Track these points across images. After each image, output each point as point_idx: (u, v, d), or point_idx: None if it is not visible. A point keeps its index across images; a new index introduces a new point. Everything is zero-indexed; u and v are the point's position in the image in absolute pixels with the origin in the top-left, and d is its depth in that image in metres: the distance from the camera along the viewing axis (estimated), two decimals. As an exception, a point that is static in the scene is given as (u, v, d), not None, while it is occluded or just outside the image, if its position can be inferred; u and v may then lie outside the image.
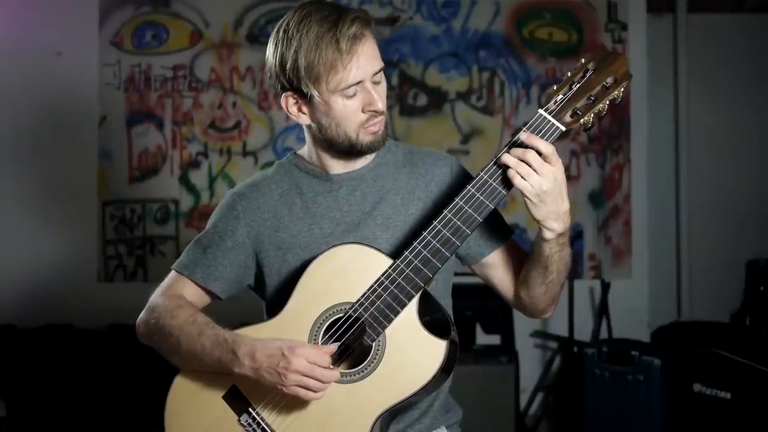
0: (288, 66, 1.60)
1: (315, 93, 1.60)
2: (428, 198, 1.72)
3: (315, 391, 1.52)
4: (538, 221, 1.53)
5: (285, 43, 1.60)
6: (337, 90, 1.59)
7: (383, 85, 1.65)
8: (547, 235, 1.55)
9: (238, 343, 1.57)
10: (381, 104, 1.62)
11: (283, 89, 1.66)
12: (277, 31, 1.63)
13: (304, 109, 1.66)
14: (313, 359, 1.51)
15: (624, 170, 4.53)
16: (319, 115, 1.65)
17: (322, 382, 1.52)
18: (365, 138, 1.65)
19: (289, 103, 1.67)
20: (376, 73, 1.62)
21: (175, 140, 4.42)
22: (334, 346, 1.56)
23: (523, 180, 1.48)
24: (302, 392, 1.52)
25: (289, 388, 1.52)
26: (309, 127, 1.70)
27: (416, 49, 4.49)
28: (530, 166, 1.48)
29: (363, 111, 1.62)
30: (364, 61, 1.59)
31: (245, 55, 4.43)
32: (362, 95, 1.61)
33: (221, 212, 1.77)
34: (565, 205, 1.52)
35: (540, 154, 1.48)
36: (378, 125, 1.65)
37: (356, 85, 1.59)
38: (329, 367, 1.53)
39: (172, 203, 4.41)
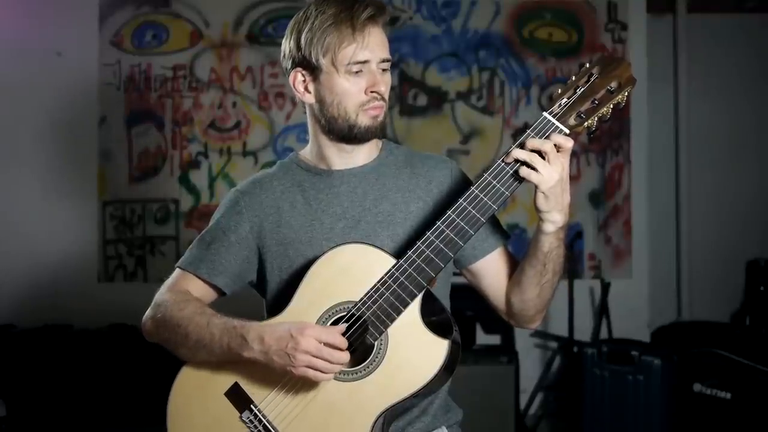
0: (302, 39, 1.66)
1: (323, 63, 1.65)
2: (428, 198, 1.73)
3: (324, 372, 1.52)
4: (543, 213, 1.55)
5: (303, 22, 1.67)
6: (344, 64, 1.63)
7: (388, 76, 1.69)
8: (549, 228, 1.56)
9: (247, 328, 1.58)
10: (384, 88, 1.66)
11: (293, 66, 1.70)
12: (295, 17, 1.70)
13: (310, 87, 1.70)
14: (322, 339, 1.52)
15: (624, 170, 4.53)
16: (323, 92, 1.68)
17: (332, 363, 1.52)
18: (364, 120, 1.67)
19: (297, 79, 1.71)
20: (383, 61, 1.66)
21: (175, 140, 4.42)
22: (342, 327, 1.56)
23: (538, 173, 1.50)
24: (311, 373, 1.52)
25: (298, 369, 1.52)
26: (311, 107, 1.73)
27: (416, 49, 4.49)
28: (546, 156, 1.49)
29: (366, 93, 1.66)
30: (373, 43, 1.64)
31: (245, 55, 4.43)
32: (367, 76, 1.65)
33: (224, 209, 1.79)
34: (568, 197, 1.55)
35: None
36: (378, 110, 1.68)
37: (363, 63, 1.64)
38: (342, 346, 1.53)
39: (172, 203, 4.41)
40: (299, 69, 1.69)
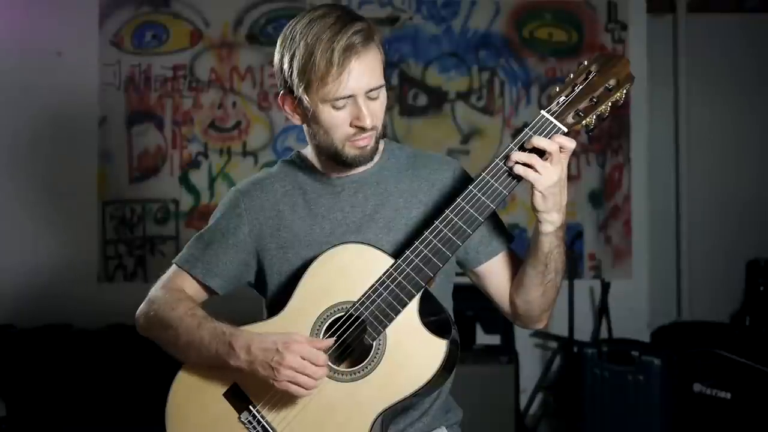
0: (285, 67, 1.61)
1: (305, 98, 1.60)
2: (430, 202, 1.72)
3: (306, 388, 1.53)
4: (541, 213, 1.54)
5: (287, 44, 1.61)
6: (326, 100, 1.58)
7: (380, 102, 1.63)
8: (548, 228, 1.56)
9: (236, 336, 1.58)
10: (369, 121, 1.59)
11: (281, 87, 1.67)
12: (284, 31, 1.64)
13: (298, 111, 1.66)
14: (307, 356, 1.52)
15: (624, 170, 4.53)
16: (309, 120, 1.65)
17: (315, 379, 1.52)
18: (351, 151, 1.64)
19: (285, 102, 1.68)
20: (372, 90, 1.59)
21: (175, 140, 4.42)
22: (330, 341, 1.56)
23: (536, 173, 1.49)
24: (293, 388, 1.53)
25: (280, 383, 1.53)
26: (303, 127, 1.71)
27: (416, 49, 4.49)
28: (549, 157, 1.49)
29: (351, 125, 1.61)
30: (357, 76, 1.56)
31: (245, 55, 4.43)
32: (351, 109, 1.59)
33: (224, 209, 1.79)
34: (566, 197, 1.55)
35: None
36: (366, 140, 1.63)
37: (347, 98, 1.58)
38: (324, 365, 1.53)
39: (172, 203, 4.41)
40: (287, 94, 1.65)
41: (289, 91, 1.63)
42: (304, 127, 1.70)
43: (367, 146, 1.64)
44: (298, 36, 1.58)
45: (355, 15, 1.61)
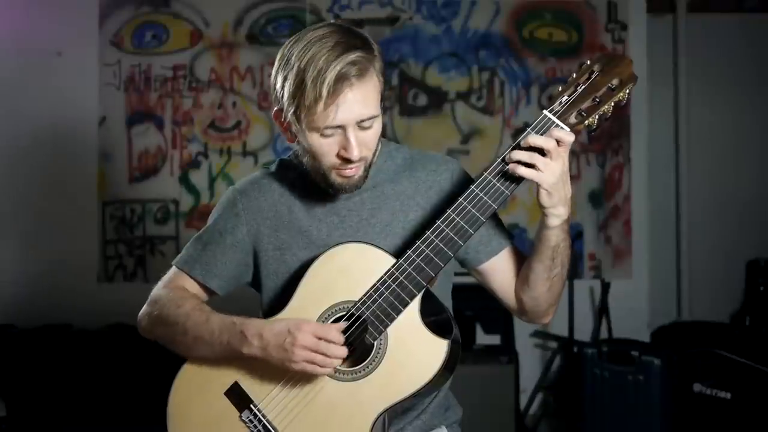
0: (278, 87, 1.58)
1: (294, 122, 1.57)
2: (427, 204, 1.71)
3: (322, 366, 1.53)
4: (546, 209, 1.54)
5: (282, 63, 1.57)
6: (314, 128, 1.55)
7: (373, 131, 1.59)
8: (555, 222, 1.56)
9: (247, 324, 1.59)
10: (356, 152, 1.55)
11: (276, 105, 1.63)
12: (283, 48, 1.60)
13: (290, 129, 1.63)
14: (319, 334, 1.52)
15: (624, 170, 4.53)
16: (299, 142, 1.64)
17: (330, 357, 1.52)
18: (337, 179, 1.61)
19: (278, 118, 1.65)
20: (363, 121, 1.55)
21: (175, 140, 4.42)
22: (342, 324, 1.56)
23: (539, 172, 1.48)
24: (310, 367, 1.53)
25: (297, 363, 1.53)
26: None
27: (416, 49, 4.49)
28: (548, 154, 1.48)
29: (338, 155, 1.58)
30: (347, 107, 1.52)
31: (245, 55, 4.43)
32: (339, 138, 1.56)
33: (222, 209, 1.78)
34: (570, 189, 1.54)
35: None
36: (352, 171, 1.60)
37: (335, 128, 1.55)
38: (339, 342, 1.53)
39: (172, 203, 4.41)
40: (279, 112, 1.62)
41: (281, 110, 1.61)
42: (296, 145, 1.68)
43: (354, 176, 1.61)
44: (293, 58, 1.54)
45: (357, 40, 1.55)
